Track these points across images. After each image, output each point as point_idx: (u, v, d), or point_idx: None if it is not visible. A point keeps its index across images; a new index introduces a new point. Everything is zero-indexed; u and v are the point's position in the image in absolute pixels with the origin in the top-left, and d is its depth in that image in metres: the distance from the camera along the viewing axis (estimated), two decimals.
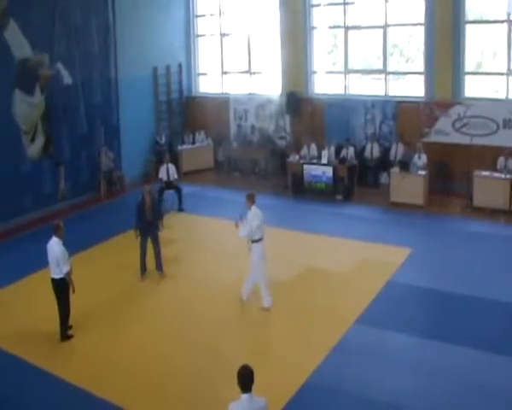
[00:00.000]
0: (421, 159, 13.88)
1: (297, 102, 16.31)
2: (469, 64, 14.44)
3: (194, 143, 17.75)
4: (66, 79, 14.79)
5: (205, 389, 7.38)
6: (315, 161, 15.15)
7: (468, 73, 14.39)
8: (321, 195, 14.72)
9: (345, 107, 15.72)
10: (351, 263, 10.88)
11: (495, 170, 13.26)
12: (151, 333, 8.80)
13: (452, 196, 14.00)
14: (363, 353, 8.02)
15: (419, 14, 14.64)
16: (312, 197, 14.76)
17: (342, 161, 14.88)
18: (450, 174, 14.26)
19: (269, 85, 17.39)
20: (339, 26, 16.02)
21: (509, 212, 12.81)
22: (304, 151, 15.56)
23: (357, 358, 7.92)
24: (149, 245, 10.64)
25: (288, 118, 16.71)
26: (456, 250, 11.35)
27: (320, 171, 14.74)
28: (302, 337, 8.51)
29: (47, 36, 14.17)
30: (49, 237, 8.50)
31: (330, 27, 16.30)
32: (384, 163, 15.00)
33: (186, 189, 14.90)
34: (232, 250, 10.93)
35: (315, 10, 16.29)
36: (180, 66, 18.36)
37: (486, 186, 13.05)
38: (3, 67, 13.18)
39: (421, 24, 14.68)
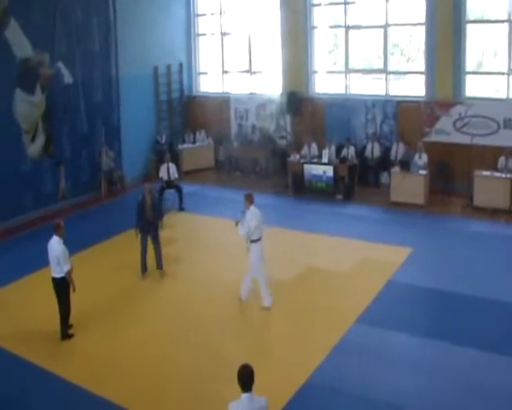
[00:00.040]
0: (421, 158, 13.88)
1: (298, 101, 16.30)
2: (470, 64, 14.42)
3: (194, 142, 17.75)
4: (67, 78, 14.80)
5: (205, 388, 7.38)
6: (315, 160, 15.14)
7: (469, 73, 14.38)
8: (321, 194, 14.72)
9: (345, 106, 15.72)
10: (351, 263, 10.88)
11: (495, 170, 13.25)
12: (151, 332, 8.80)
13: (453, 195, 14.00)
14: (363, 352, 8.02)
15: (420, 14, 14.63)
16: (313, 197, 14.76)
17: (343, 160, 14.87)
18: (451, 174, 14.26)
19: (269, 85, 17.39)
20: (339, 26, 16.01)
21: (510, 211, 12.80)
22: (304, 151, 15.55)
23: (357, 357, 7.92)
24: (150, 245, 10.65)
25: (288, 117, 16.70)
26: (457, 250, 11.36)
27: (320, 170, 14.73)
28: (302, 337, 8.51)
29: (48, 35, 14.17)
30: (50, 237, 8.50)
31: (331, 27, 16.29)
32: (385, 163, 14.99)
33: (187, 188, 14.90)
34: (233, 250, 10.92)
35: (315, 10, 16.27)
36: (181, 65, 18.36)
37: (487, 186, 13.05)
38: (4, 66, 13.18)
39: (421, 23, 14.67)
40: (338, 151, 15.26)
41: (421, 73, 15.05)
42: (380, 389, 7.18)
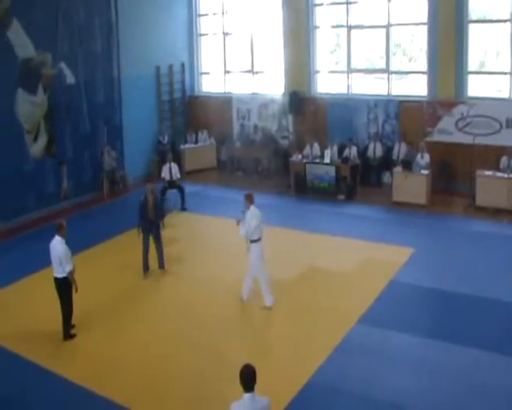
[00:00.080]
0: (423, 158, 13.86)
1: (300, 101, 16.31)
2: (472, 63, 14.41)
3: (196, 142, 17.76)
4: (69, 78, 14.82)
5: (207, 388, 7.39)
6: (318, 160, 15.13)
7: (471, 73, 14.37)
8: (323, 194, 14.71)
9: (347, 106, 15.72)
10: (353, 263, 10.87)
11: (498, 169, 13.22)
12: (154, 332, 8.81)
13: (455, 195, 13.99)
14: (365, 352, 8.01)
15: (422, 14, 14.62)
16: (315, 197, 14.75)
17: (345, 160, 14.87)
18: (453, 174, 14.25)
19: (272, 85, 17.39)
20: (342, 26, 16.02)
21: None
22: (306, 151, 15.55)
23: (359, 358, 7.91)
24: (152, 245, 10.66)
25: (290, 117, 16.71)
26: (459, 250, 11.34)
27: (323, 170, 14.73)
28: (304, 337, 8.51)
29: (50, 35, 14.20)
30: (52, 236, 8.51)
31: (333, 27, 16.30)
32: (387, 162, 14.98)
33: (189, 188, 14.91)
34: (235, 250, 10.91)
35: (318, 10, 16.27)
36: (183, 65, 18.37)
37: (489, 186, 13.03)
38: (7, 66, 13.21)
39: (423, 23, 14.66)
40: (340, 151, 15.26)
41: (423, 72, 15.04)
42: (382, 389, 7.18)
